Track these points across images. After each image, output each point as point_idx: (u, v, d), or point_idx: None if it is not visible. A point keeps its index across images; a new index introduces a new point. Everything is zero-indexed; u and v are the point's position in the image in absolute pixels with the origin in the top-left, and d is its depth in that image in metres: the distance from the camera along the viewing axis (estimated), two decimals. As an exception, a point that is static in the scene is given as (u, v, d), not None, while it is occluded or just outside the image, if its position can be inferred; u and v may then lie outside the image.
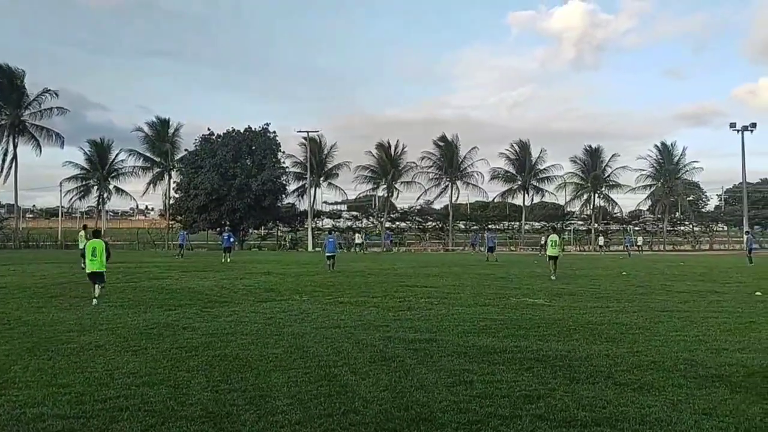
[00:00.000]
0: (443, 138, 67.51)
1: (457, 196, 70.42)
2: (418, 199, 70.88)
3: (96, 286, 14.02)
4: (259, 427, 5.33)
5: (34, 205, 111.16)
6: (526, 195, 70.58)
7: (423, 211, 73.32)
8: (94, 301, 13.53)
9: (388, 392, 6.38)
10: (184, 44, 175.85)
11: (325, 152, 69.21)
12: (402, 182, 68.72)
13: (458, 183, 68.18)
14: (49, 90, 58.73)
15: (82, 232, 28.74)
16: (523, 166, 68.98)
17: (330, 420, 5.51)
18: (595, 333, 10.04)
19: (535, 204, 75.27)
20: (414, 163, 67.86)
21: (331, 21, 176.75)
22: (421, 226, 71.62)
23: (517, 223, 73.53)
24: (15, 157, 58.67)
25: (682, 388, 6.61)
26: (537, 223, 76.18)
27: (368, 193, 71.68)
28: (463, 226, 72.78)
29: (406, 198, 74.57)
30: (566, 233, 69.46)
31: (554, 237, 23.54)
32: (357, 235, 52.65)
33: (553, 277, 20.98)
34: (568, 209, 73.53)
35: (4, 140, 58.06)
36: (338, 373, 7.16)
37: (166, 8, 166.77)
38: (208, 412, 5.69)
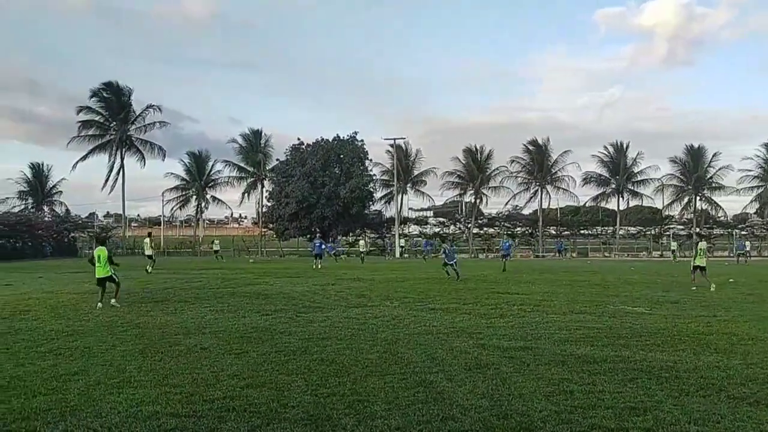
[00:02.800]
0: (533, 142, 66.23)
1: (549, 202, 68.79)
2: (507, 204, 69.83)
3: (103, 291, 14.30)
4: (359, 432, 5.41)
5: (138, 215, 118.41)
6: (621, 199, 67.90)
7: (511, 217, 72.12)
8: (99, 305, 13.76)
9: (486, 400, 6.30)
10: (265, 56, 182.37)
11: (412, 159, 69.61)
12: (489, 187, 67.91)
13: (548, 187, 66.58)
14: (153, 105, 62.83)
15: (147, 240, 30.38)
16: (617, 168, 66.44)
17: (428, 427, 5.50)
18: (702, 343, 9.49)
19: (630, 208, 72.29)
20: (505, 167, 66.92)
21: (407, 28, 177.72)
22: (509, 232, 70.44)
23: (611, 228, 70.91)
24: (122, 169, 62.93)
25: (806, 405, 6.13)
26: (632, 228, 73.08)
27: (455, 199, 71.38)
28: (553, 232, 70.94)
29: (493, 203, 73.60)
30: (664, 238, 66.20)
31: (703, 245, 21.45)
32: (362, 242, 51.05)
33: (713, 288, 18.30)
34: (667, 213, 70.08)
35: (113, 154, 62.47)
36: (434, 380, 7.14)
37: (242, 21, 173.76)
38: (309, 415, 5.82)
